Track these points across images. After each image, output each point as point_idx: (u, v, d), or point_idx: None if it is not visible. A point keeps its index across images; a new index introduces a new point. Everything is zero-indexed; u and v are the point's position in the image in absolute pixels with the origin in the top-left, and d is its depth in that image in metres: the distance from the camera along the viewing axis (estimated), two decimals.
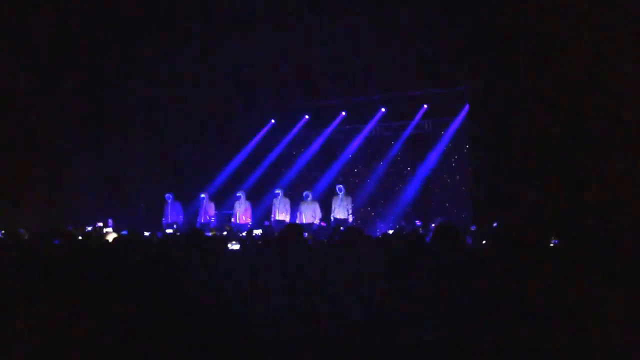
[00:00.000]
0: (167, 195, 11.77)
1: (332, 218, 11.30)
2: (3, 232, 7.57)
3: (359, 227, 3.94)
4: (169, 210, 11.74)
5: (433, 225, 9.80)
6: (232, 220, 11.70)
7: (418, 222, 11.06)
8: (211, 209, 11.94)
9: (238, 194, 11.84)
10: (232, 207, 11.95)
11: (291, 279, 2.90)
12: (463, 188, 12.40)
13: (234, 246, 6.36)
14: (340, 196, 11.32)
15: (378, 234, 10.64)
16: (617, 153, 8.72)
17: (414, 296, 2.73)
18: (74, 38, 10.70)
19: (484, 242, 6.43)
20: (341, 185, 11.50)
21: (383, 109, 13.42)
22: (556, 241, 4.29)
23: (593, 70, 8.84)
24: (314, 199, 11.48)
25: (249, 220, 11.62)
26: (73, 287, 3.14)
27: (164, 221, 11.66)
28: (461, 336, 2.46)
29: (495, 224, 8.32)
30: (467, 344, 2.43)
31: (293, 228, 3.18)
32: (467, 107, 12.06)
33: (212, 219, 11.80)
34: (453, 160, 12.95)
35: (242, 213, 11.63)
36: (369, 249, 3.82)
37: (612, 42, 8.66)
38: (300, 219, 11.15)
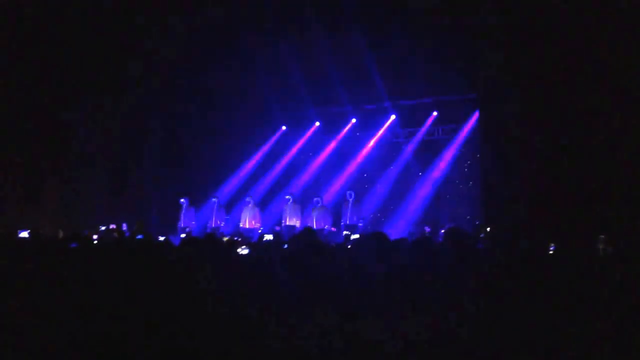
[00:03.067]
0: (182, 200, 11.88)
1: (342, 224, 11.34)
2: (29, 231, 7.69)
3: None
4: (183, 215, 11.85)
5: (442, 231, 9.80)
6: (240, 225, 11.76)
7: (427, 229, 11.07)
8: (222, 214, 12.02)
9: (247, 200, 11.92)
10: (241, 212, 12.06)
11: (306, 282, 2.93)
12: (478, 194, 12.36)
13: (243, 251, 6.42)
14: (350, 202, 11.36)
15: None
16: (630, 160, 8.71)
17: (420, 301, 2.75)
18: (89, 47, 10.86)
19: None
20: (352, 191, 11.54)
21: (394, 116, 13.49)
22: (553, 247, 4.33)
23: (604, 77, 8.84)
24: (324, 205, 11.53)
25: (258, 226, 11.69)
26: (86, 289, 3.18)
27: (179, 225, 11.78)
28: (467, 340, 2.48)
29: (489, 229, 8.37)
30: (473, 348, 2.45)
31: (309, 231, 3.22)
32: (477, 113, 12.10)
33: (222, 224, 11.88)
34: (466, 165, 12.92)
35: (250, 218, 11.69)
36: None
37: (625, 49, 8.66)
38: (311, 224, 11.19)
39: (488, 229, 8.84)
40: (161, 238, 7.99)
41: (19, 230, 8.19)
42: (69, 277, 3.45)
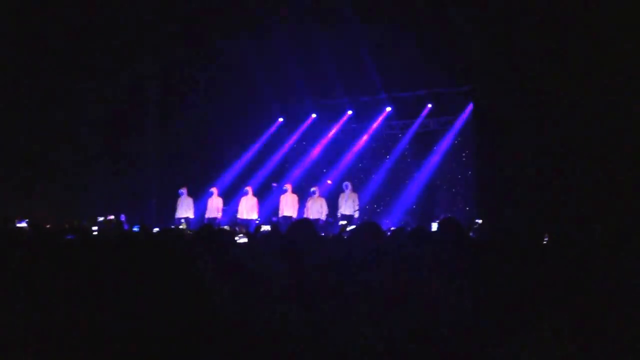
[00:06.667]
0: (180, 190, 11.91)
1: (338, 214, 11.39)
2: (27, 221, 7.73)
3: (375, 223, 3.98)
4: (181, 206, 11.89)
5: (437, 222, 9.86)
6: (238, 216, 11.80)
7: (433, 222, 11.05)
8: (219, 204, 12.07)
9: (245, 190, 11.97)
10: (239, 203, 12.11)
11: (302, 275, 2.99)
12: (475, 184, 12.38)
13: (242, 239, 6.45)
14: (346, 193, 11.41)
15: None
16: (621, 152, 8.78)
17: (417, 292, 2.81)
18: (89, 33, 10.83)
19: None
20: (347, 182, 11.58)
21: (389, 108, 13.55)
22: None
23: (598, 70, 8.89)
24: (320, 196, 11.58)
25: (255, 216, 11.74)
26: (83, 283, 3.23)
27: (176, 216, 11.82)
28: (464, 333, 2.52)
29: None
30: (469, 341, 2.49)
31: (304, 223, 3.27)
32: (471, 105, 12.18)
33: (220, 214, 11.93)
34: (464, 155, 12.97)
35: (248, 209, 11.74)
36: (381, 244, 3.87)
37: (617, 43, 8.71)
38: (307, 215, 11.23)
39: (479, 220, 8.92)
40: (155, 229, 8.05)
41: (17, 220, 8.24)
42: (66, 269, 3.50)
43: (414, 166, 13.41)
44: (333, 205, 11.65)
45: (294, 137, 14.54)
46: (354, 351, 2.47)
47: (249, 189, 11.97)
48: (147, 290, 3.01)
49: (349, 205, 11.30)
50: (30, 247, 4.38)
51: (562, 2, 9.14)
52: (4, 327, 2.83)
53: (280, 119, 14.63)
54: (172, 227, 10.57)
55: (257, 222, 11.41)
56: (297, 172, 14.13)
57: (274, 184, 13.12)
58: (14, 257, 3.84)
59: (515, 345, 2.43)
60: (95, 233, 7.63)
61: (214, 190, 12.13)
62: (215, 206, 11.95)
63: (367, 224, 4.03)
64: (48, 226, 7.28)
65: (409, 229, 8.05)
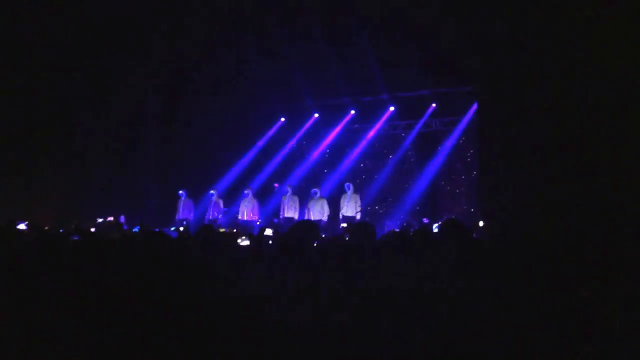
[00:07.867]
0: (180, 191, 11.89)
1: (340, 215, 11.34)
2: (27, 223, 7.70)
3: (370, 223, 3.91)
4: (181, 207, 11.86)
5: (440, 223, 9.82)
6: (239, 217, 11.77)
7: (425, 220, 11.08)
8: (220, 206, 12.03)
9: (245, 192, 11.93)
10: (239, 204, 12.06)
11: (303, 277, 2.93)
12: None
13: (244, 242, 6.38)
14: (348, 194, 11.36)
15: (385, 231, 10.66)
16: (627, 151, 8.71)
17: (419, 291, 2.74)
18: (86, 32, 10.81)
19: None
20: (349, 183, 11.52)
21: (392, 108, 13.49)
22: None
23: (602, 69, 8.83)
24: (322, 196, 11.53)
25: (256, 218, 11.70)
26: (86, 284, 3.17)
27: (177, 217, 11.79)
28: (464, 333, 2.47)
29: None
30: (470, 342, 2.44)
31: (307, 224, 3.21)
32: (475, 105, 12.10)
33: (220, 216, 11.89)
34: (468, 155, 12.91)
35: (249, 210, 11.70)
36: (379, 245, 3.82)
37: (620, 41, 8.65)
38: (309, 215, 11.19)
39: (481, 222, 8.86)
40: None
41: (17, 222, 8.22)
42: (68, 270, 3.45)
43: (417, 167, 13.36)
44: (335, 206, 11.59)
45: (296, 138, 14.49)
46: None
47: (249, 190, 11.92)
48: (145, 291, 2.97)
49: (350, 207, 11.24)
50: (32, 249, 4.34)
51: (565, 1, 9.07)
52: (4, 327, 2.79)
53: (282, 119, 14.59)
54: (173, 228, 10.53)
55: (258, 223, 11.36)
56: (299, 172, 14.09)
57: (276, 185, 13.08)
58: (15, 258, 3.80)
59: (521, 345, 2.40)
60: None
61: (215, 191, 12.09)
62: (215, 207, 11.92)
63: (363, 224, 3.95)
64: (46, 228, 7.26)
65: (412, 230, 8.01)
